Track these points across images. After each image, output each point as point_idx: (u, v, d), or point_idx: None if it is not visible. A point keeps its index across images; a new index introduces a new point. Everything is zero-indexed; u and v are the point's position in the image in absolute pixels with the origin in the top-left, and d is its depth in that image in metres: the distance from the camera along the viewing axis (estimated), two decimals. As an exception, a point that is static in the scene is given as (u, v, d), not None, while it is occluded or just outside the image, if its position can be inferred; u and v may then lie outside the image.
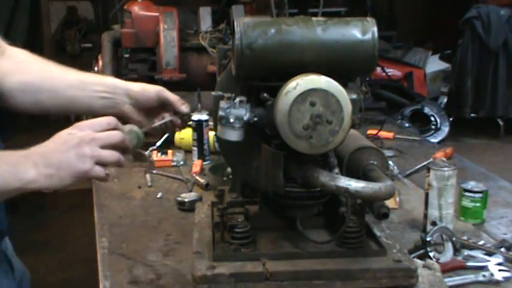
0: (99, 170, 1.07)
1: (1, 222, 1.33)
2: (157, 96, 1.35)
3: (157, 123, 1.35)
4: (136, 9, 2.71)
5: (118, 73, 2.70)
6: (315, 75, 1.12)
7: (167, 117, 1.35)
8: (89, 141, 1.06)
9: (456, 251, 1.50)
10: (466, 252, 1.51)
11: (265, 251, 1.24)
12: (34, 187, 1.05)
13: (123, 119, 1.35)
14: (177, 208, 1.82)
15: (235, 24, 1.19)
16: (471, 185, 1.74)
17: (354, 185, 1.12)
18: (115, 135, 1.10)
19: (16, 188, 1.04)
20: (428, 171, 1.62)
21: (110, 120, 1.12)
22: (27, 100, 1.33)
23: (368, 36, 1.19)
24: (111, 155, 1.09)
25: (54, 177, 1.04)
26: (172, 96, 1.36)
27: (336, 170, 1.18)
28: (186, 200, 1.81)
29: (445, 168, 1.60)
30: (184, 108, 1.34)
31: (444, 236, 1.51)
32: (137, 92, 1.35)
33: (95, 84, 1.36)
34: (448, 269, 1.42)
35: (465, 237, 1.57)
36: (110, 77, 1.39)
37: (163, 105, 1.36)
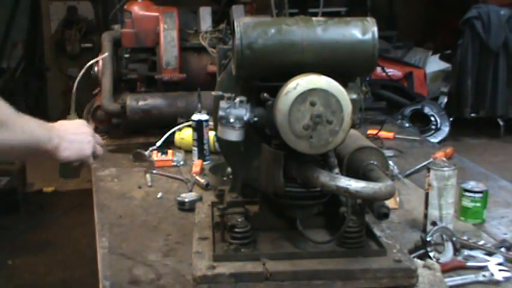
0: (91, 159, 1.32)
1: None
2: None
3: None
4: (136, 9, 2.71)
5: (118, 73, 2.70)
6: (315, 75, 1.12)
7: None
8: (93, 135, 1.33)
9: (456, 251, 1.50)
10: (466, 252, 1.51)
11: (265, 251, 1.24)
12: (54, 153, 1.21)
13: None
14: (177, 208, 1.82)
15: (235, 24, 1.19)
16: (471, 185, 1.74)
17: (354, 185, 1.12)
18: (101, 140, 1.38)
19: (46, 150, 1.19)
20: (428, 171, 1.62)
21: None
22: None
23: (368, 36, 1.19)
24: (101, 150, 1.36)
25: (67, 150, 1.23)
26: None
27: (336, 170, 1.18)
28: (186, 200, 1.81)
29: (445, 168, 1.60)
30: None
31: (444, 236, 1.51)
32: None
33: None
34: (448, 269, 1.42)
35: (465, 237, 1.57)
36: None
37: None
